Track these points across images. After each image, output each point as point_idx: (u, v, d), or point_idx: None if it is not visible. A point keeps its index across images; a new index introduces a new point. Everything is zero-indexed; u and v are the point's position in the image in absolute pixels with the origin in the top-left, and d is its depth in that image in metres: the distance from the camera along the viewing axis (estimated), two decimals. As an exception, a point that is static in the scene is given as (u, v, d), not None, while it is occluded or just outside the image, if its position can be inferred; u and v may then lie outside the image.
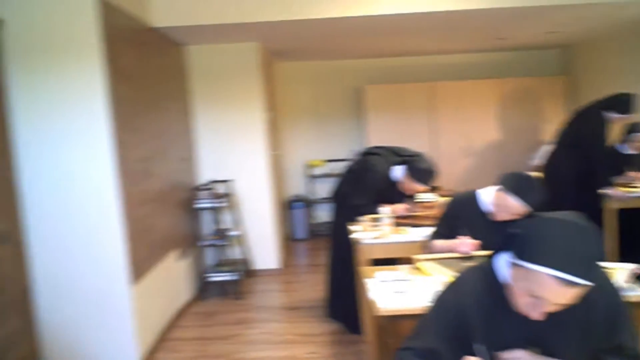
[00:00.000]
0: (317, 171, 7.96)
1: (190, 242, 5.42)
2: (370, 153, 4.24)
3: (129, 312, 3.81)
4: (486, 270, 1.76)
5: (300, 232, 7.71)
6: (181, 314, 4.93)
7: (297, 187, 8.06)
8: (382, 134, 7.37)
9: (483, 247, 2.90)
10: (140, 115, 4.29)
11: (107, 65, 3.69)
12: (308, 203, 7.81)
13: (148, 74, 4.56)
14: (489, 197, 2.99)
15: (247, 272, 5.91)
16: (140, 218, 4.09)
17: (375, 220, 3.79)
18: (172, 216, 4.96)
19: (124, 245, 3.77)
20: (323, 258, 5.70)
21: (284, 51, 6.76)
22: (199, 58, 5.85)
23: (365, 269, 3.13)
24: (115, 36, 3.86)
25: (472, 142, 7.60)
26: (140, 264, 4.02)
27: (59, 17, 3.61)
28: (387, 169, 4.03)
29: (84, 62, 3.63)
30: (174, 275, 4.89)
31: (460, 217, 3.12)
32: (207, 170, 5.96)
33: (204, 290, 5.52)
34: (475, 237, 2.96)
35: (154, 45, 4.79)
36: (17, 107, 3.68)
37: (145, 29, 4.54)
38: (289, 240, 7.50)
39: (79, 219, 3.75)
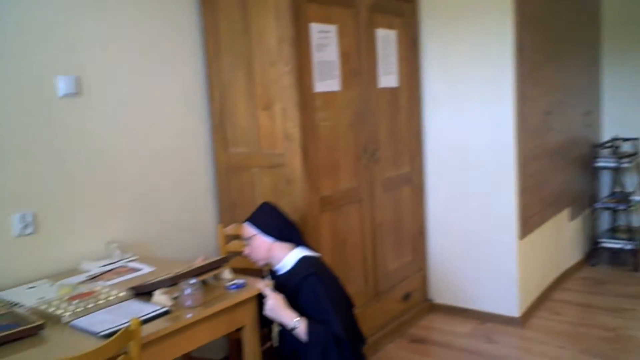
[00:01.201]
0: None
1: (584, 202, 5.07)
2: None
3: (514, 264, 3.81)
4: None
5: None
6: (566, 276, 4.70)
7: None
8: None
9: None
10: (544, 67, 4.10)
11: (516, 13, 3.60)
12: None
13: (556, 22, 4.30)
14: None
15: (647, 243, 5.26)
16: (534, 173, 3.98)
17: None
18: (567, 174, 4.69)
19: (516, 198, 3.74)
20: None
21: None
22: (614, 1, 5.25)
23: None
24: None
25: None
26: (530, 219, 3.94)
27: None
28: None
29: (494, 12, 3.63)
30: (562, 235, 4.66)
31: None
32: (611, 126, 5.41)
33: (594, 255, 5.13)
34: None
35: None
36: (428, 58, 3.95)
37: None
38: None
39: (473, 168, 3.86)
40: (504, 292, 3.87)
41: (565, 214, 4.68)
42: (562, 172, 4.56)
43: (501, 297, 3.88)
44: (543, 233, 4.22)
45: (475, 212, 3.90)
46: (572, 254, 4.90)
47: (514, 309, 3.86)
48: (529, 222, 3.93)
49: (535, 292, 4.15)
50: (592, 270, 4.96)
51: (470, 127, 3.84)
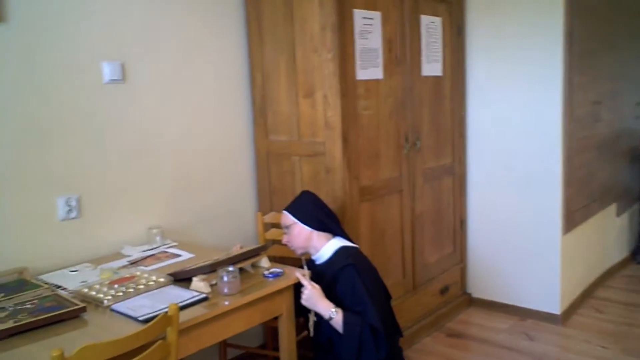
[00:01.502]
0: None
1: (632, 197, 4.91)
2: None
3: (557, 260, 3.71)
4: None
5: None
6: (610, 273, 4.57)
7: None
8: None
9: None
10: (594, 55, 3.96)
11: None
12: None
13: (608, 9, 4.14)
14: None
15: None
16: (580, 166, 3.86)
17: None
18: (615, 167, 4.54)
19: (562, 192, 3.64)
20: None
21: None
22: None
23: None
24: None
25: None
26: (575, 213, 3.83)
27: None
28: None
29: None
30: (607, 231, 4.53)
31: None
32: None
33: (639, 252, 4.99)
34: None
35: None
36: (473, 46, 3.85)
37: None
38: None
39: (517, 159, 3.77)
40: (545, 288, 3.78)
41: (612, 209, 4.54)
42: (610, 165, 4.42)
43: (542, 293, 3.79)
44: (588, 228, 4.10)
45: (518, 205, 3.81)
46: (617, 250, 4.76)
47: (555, 306, 3.76)
48: (573, 217, 3.82)
49: (578, 289, 4.05)
50: (638, 268, 4.81)
51: (516, 117, 3.74)
